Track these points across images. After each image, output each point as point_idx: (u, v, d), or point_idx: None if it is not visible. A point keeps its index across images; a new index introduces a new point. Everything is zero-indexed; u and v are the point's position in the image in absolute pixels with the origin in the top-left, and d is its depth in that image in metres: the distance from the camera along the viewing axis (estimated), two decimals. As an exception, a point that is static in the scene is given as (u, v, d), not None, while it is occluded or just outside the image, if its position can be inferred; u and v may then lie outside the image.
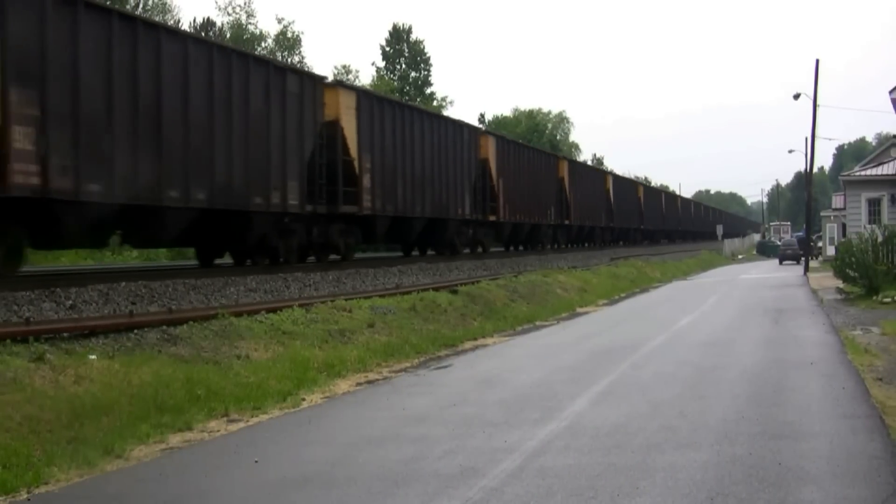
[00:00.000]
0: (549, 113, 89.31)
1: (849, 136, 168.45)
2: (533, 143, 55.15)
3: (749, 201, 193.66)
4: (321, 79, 22.64)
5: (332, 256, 23.13)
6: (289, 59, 50.93)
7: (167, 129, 16.33)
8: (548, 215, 40.06)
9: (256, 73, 19.04)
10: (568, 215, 43.20)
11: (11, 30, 13.16)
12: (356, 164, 22.76)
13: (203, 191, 17.28)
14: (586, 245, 49.38)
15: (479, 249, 32.90)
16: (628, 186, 62.63)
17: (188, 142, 16.90)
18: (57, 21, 13.94)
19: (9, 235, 14.01)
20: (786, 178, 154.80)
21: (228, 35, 51.42)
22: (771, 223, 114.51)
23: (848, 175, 40.48)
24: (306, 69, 26.72)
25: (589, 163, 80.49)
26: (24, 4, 13.49)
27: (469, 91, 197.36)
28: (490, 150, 32.82)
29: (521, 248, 39.11)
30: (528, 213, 36.97)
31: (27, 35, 13.44)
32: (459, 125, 31.08)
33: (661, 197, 74.40)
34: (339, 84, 24.01)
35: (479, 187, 31.38)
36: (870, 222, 32.34)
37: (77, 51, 14.29)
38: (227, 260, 21.26)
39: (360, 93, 24.91)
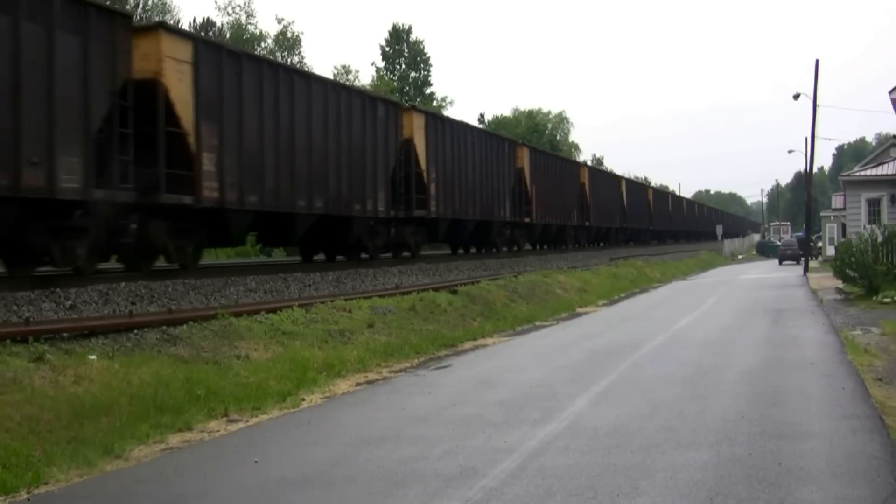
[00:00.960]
0: (549, 113, 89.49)
1: (848, 137, 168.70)
2: (545, 148, 55.68)
3: (749, 201, 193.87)
4: (400, 105, 28.08)
5: (405, 253, 27.59)
6: (288, 60, 50.90)
7: (298, 151, 20.71)
8: (572, 217, 44.23)
9: (356, 103, 23.67)
10: (588, 217, 47.25)
11: (202, 81, 17.48)
12: (425, 175, 27.20)
13: (321, 200, 21.55)
14: (601, 245, 52.63)
15: (515, 248, 36.85)
16: (639, 190, 66.80)
17: (311, 162, 21.17)
18: (229, 70, 18.42)
19: (197, 235, 18.23)
20: (786, 179, 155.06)
21: (228, 35, 51.40)
22: (771, 223, 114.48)
23: (848, 175, 40.45)
24: (390, 99, 30.97)
25: (589, 162, 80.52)
26: (208, 59, 17.80)
27: (469, 91, 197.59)
28: (525, 159, 36.88)
29: (546, 247, 42.99)
30: (555, 216, 41.23)
31: (211, 83, 17.81)
32: (501, 139, 36.35)
33: (668, 199, 76.38)
34: (413, 108, 28.35)
35: (516, 193, 35.40)
36: (869, 222, 32.32)
37: (241, 92, 18.75)
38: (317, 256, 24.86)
39: (428, 115, 29.33)
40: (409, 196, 26.28)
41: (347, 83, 31.30)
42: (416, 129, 27.15)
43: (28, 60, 13.49)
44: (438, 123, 29.37)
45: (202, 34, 31.43)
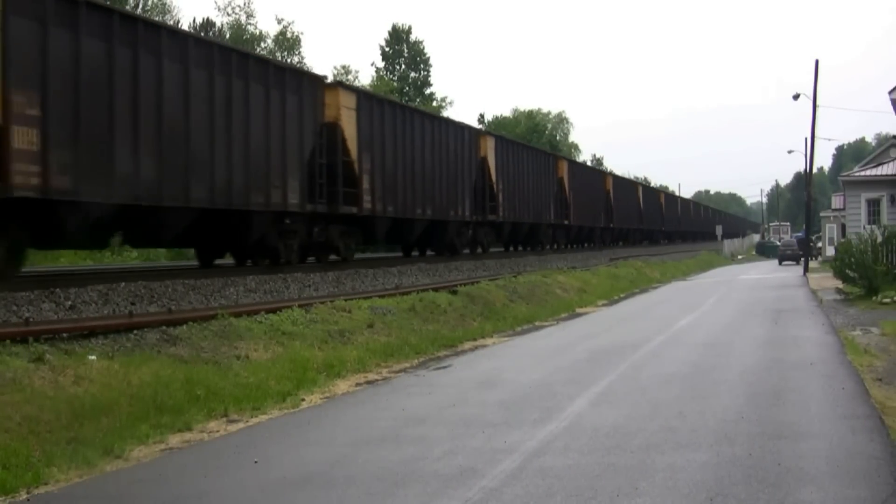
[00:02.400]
0: (549, 113, 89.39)
1: (848, 137, 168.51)
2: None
3: (748, 202, 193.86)
4: (479, 130, 28.16)
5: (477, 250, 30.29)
6: (288, 60, 50.89)
7: (416, 172, 25.94)
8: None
9: (450, 131, 28.30)
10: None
11: (362, 122, 22.92)
12: (494, 183, 29.23)
13: (430, 209, 26.93)
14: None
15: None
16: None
17: (424, 180, 26.40)
18: (376, 113, 23.97)
19: (356, 236, 23.26)
20: (785, 179, 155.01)
21: (228, 35, 51.38)
22: (770, 223, 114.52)
23: (847, 175, 40.44)
24: (471, 126, 31.52)
25: (588, 163, 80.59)
26: (365, 106, 23.07)
27: (469, 91, 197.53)
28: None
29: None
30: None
31: (366, 123, 23.13)
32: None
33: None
34: (488, 133, 26.79)
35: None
36: (869, 223, 32.30)
37: (384, 129, 24.26)
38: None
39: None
40: (484, 202, 31.49)
41: (440, 115, 33.07)
42: (487, 149, 32.37)
43: (274, 114, 19.20)
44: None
45: (362, 88, 32.13)
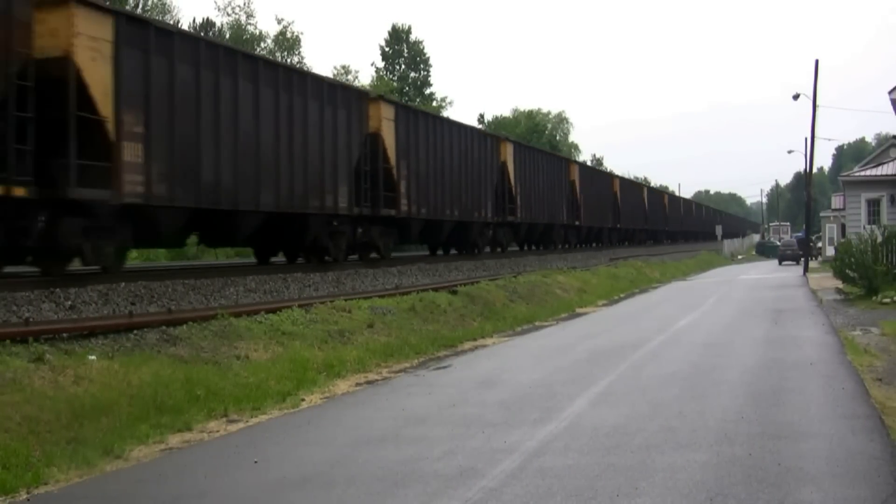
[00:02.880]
0: (549, 113, 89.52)
1: (848, 137, 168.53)
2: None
3: (748, 202, 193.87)
4: (499, 136, 30.86)
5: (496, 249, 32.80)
6: (288, 60, 50.88)
7: (445, 177, 28.33)
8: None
9: (473, 138, 31.63)
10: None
11: (400, 131, 25.28)
12: (513, 186, 30.80)
13: (458, 210, 29.48)
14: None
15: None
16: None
17: (451, 184, 29.13)
18: (413, 125, 26.21)
19: (394, 237, 25.98)
20: (785, 179, 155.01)
21: (228, 36, 51.39)
22: (770, 223, 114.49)
23: (847, 175, 40.43)
24: (491, 133, 35.55)
25: (589, 163, 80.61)
26: (404, 117, 25.93)
27: (469, 91, 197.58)
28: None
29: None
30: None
31: (406, 133, 25.69)
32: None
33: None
34: (506, 139, 28.71)
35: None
36: (869, 223, 32.28)
37: (418, 139, 26.50)
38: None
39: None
40: (503, 204, 33.97)
41: (464, 123, 34.11)
42: (507, 154, 34.59)
43: (327, 127, 21.45)
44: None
45: (400, 101, 33.37)
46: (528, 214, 36.83)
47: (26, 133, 13.33)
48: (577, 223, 45.28)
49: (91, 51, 14.56)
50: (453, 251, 31.98)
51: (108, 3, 16.37)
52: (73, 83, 14.21)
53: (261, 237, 20.74)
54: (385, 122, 24.55)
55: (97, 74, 14.70)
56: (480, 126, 64.68)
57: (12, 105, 13.20)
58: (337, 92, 22.81)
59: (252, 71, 18.83)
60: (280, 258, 23.09)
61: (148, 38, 15.89)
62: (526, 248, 40.45)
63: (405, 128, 25.79)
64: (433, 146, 27.89)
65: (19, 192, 13.29)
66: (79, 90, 14.29)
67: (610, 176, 59.22)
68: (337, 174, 21.82)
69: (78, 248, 15.00)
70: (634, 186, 65.30)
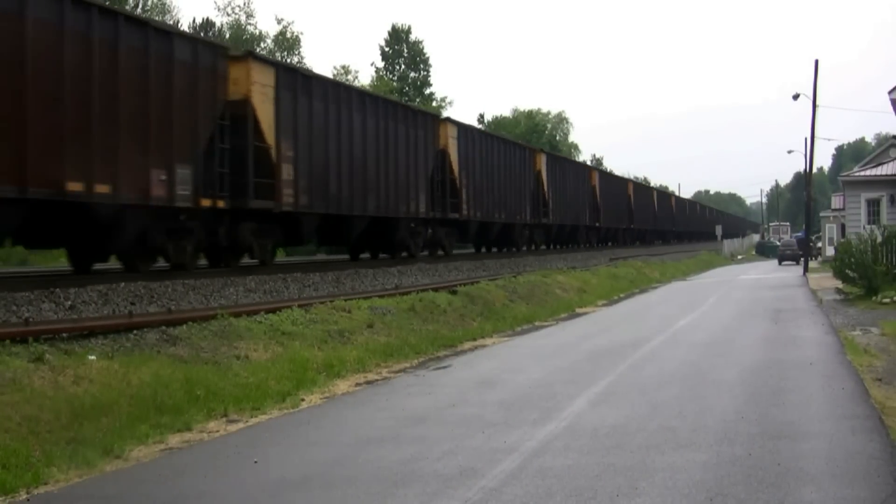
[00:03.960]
0: (549, 113, 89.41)
1: (848, 137, 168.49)
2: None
3: (748, 202, 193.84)
4: (534, 148, 35.82)
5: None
6: (287, 60, 50.90)
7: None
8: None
9: (514, 152, 37.48)
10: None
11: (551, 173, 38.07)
12: (546, 191, 32.69)
13: (504, 213, 35.20)
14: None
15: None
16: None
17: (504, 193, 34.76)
18: (560, 166, 40.01)
19: (458, 238, 31.93)
20: (785, 179, 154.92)
21: (228, 36, 51.38)
22: (770, 223, 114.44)
23: (847, 175, 40.43)
24: (529, 145, 40.01)
25: (589, 163, 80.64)
26: (552, 163, 37.48)
27: (468, 91, 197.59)
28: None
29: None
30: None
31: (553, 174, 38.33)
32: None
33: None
34: (542, 151, 28.37)
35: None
36: (869, 223, 32.28)
37: (565, 175, 39.10)
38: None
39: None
40: (537, 208, 38.40)
41: (507, 137, 40.15)
42: (541, 164, 39.40)
43: (410, 146, 26.50)
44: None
45: (462, 122, 34.32)
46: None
47: (224, 159, 17.91)
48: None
49: (261, 94, 19.15)
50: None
51: (267, 55, 22.07)
52: (250, 120, 18.80)
53: (362, 237, 25.02)
54: (450, 140, 29.32)
55: (265, 112, 19.31)
56: (480, 125, 64.70)
57: (217, 139, 17.79)
58: (417, 116, 27.98)
59: (360, 103, 23.90)
60: (342, 256, 27.27)
61: (296, 82, 20.78)
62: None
63: (465, 144, 30.47)
64: (485, 159, 32.55)
65: (221, 204, 17.93)
66: (254, 125, 18.88)
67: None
68: (418, 184, 27.05)
69: (250, 246, 19.65)
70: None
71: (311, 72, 25.24)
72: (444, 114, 53.53)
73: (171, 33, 17.48)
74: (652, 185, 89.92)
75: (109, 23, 15.22)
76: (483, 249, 37.02)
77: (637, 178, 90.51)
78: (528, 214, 37.66)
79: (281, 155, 19.73)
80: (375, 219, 24.68)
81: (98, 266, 17.81)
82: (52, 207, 14.40)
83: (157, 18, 43.18)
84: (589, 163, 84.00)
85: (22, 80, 13.45)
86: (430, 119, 29.81)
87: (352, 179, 23.15)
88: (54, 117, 14.05)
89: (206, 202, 17.48)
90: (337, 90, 23.30)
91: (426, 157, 28.12)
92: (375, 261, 25.72)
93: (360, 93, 26.57)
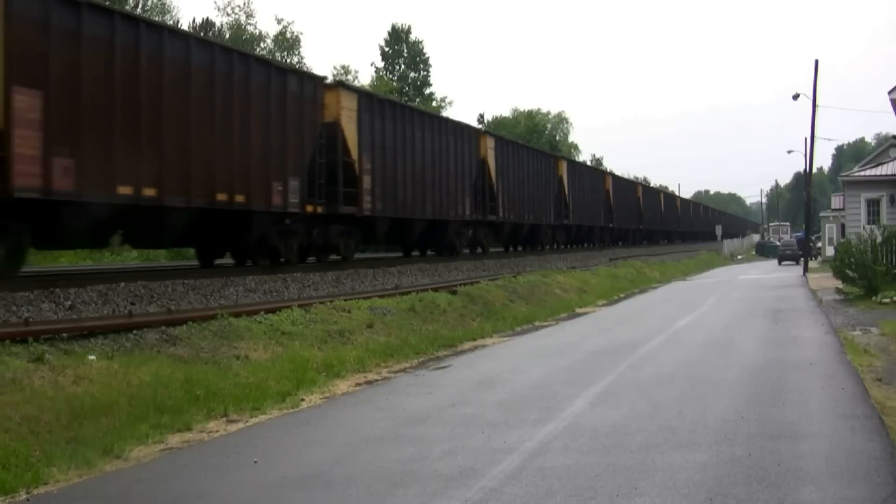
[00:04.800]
0: (549, 113, 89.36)
1: (848, 137, 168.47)
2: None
3: (748, 202, 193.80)
4: (557, 156, 39.77)
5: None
6: (288, 60, 50.88)
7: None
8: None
9: (536, 157, 40.90)
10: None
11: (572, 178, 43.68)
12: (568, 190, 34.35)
13: (533, 215, 38.38)
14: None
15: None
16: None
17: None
18: (580, 172, 45.80)
19: (491, 236, 34.87)
20: (785, 179, 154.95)
21: (227, 36, 51.38)
22: (770, 223, 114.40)
23: (847, 175, 40.43)
24: (551, 152, 43.31)
25: (588, 163, 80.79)
26: (572, 169, 43.28)
27: (468, 91, 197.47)
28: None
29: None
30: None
31: (573, 179, 43.17)
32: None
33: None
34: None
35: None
36: (869, 223, 32.26)
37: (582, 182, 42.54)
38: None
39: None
40: (559, 210, 41.78)
41: (532, 147, 43.86)
42: (563, 171, 44.18)
43: (459, 157, 30.42)
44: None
45: (498, 134, 41.73)
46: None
47: (322, 172, 21.34)
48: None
49: (348, 117, 22.72)
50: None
51: (349, 82, 26.37)
52: (340, 139, 22.39)
53: (418, 239, 29.01)
54: (489, 151, 32.96)
55: (350, 132, 22.93)
56: (480, 125, 64.75)
57: (317, 155, 21.13)
58: (463, 130, 31.77)
59: (419, 121, 27.66)
60: (396, 254, 30.37)
61: (372, 105, 24.47)
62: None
63: (501, 154, 34.13)
64: (517, 167, 36.32)
65: (319, 209, 21.30)
66: (342, 143, 22.44)
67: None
68: (464, 190, 30.71)
69: (336, 246, 23.02)
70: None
71: (383, 96, 29.90)
72: (444, 114, 53.67)
73: (285, 70, 21.83)
74: (652, 185, 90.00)
75: (244, 65, 18.95)
76: (510, 248, 40.12)
77: (637, 178, 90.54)
78: (552, 216, 41.33)
79: (362, 167, 23.74)
80: (431, 221, 28.87)
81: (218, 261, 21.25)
82: (204, 214, 17.63)
83: (156, 18, 43.17)
84: (589, 163, 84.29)
85: (213, 123, 17.66)
86: (472, 132, 34.14)
87: (414, 187, 27.25)
88: (223, 147, 17.94)
89: (309, 208, 21.04)
90: (403, 111, 27.67)
91: (470, 166, 32.36)
92: (400, 258, 28.25)
93: (420, 112, 31.19)
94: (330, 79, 27.06)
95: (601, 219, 52.02)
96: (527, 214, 37.82)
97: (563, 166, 44.57)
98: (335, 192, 22.03)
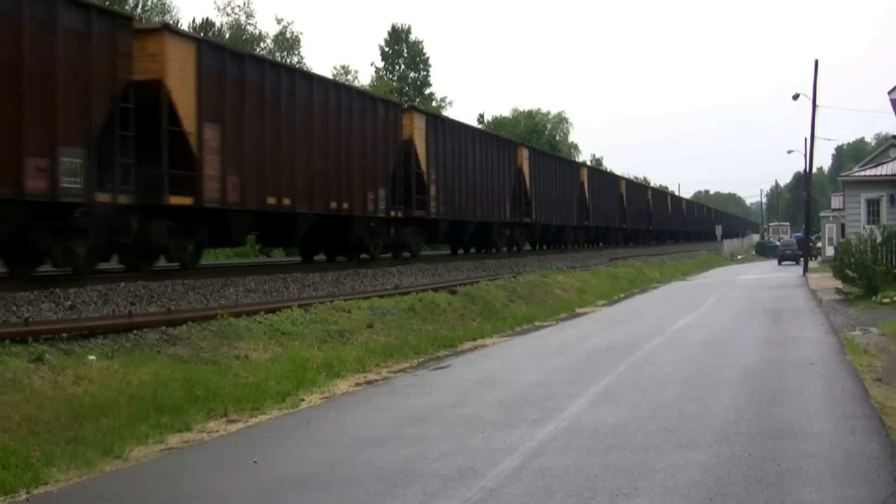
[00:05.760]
0: (549, 113, 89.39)
1: (848, 137, 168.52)
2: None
3: (748, 202, 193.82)
4: (579, 165, 50.58)
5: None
6: (287, 60, 50.88)
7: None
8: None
9: (558, 163, 46.56)
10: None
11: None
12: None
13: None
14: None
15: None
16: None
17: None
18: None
19: (526, 236, 40.77)
20: (785, 179, 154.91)
21: (228, 35, 51.38)
22: (770, 223, 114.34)
23: (847, 175, 40.43)
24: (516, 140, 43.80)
25: (588, 163, 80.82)
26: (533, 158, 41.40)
27: (468, 91, 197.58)
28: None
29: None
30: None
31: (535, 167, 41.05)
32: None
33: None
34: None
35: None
36: (869, 223, 32.25)
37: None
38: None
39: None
40: (582, 211, 47.14)
41: (560, 156, 50.83)
42: (584, 177, 48.71)
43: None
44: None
45: (531, 145, 47.35)
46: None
47: (401, 183, 25.59)
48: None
49: (419, 135, 26.99)
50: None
51: (420, 106, 33.11)
52: (413, 154, 26.88)
53: (469, 237, 33.44)
54: (524, 161, 37.15)
55: (421, 147, 27.23)
56: (480, 125, 64.82)
57: (398, 168, 25.92)
58: (504, 143, 36.98)
59: (470, 136, 31.63)
60: (445, 251, 35.73)
61: (437, 124, 29.15)
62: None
63: (534, 163, 38.45)
64: (546, 174, 40.67)
65: (399, 214, 25.33)
66: (414, 157, 26.81)
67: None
68: (504, 195, 34.94)
69: (409, 244, 26.91)
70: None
71: (445, 116, 34.42)
72: (444, 114, 53.80)
73: (376, 98, 26.06)
74: (652, 184, 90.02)
75: (347, 96, 22.90)
76: (538, 247, 44.09)
77: (637, 177, 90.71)
78: (575, 218, 45.39)
79: (429, 177, 27.92)
80: (480, 223, 32.80)
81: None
82: (321, 219, 21.70)
83: (156, 19, 43.16)
84: (589, 163, 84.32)
85: (328, 144, 21.77)
86: (511, 144, 38.79)
87: (467, 193, 31.39)
88: (335, 164, 22.17)
89: (392, 213, 25.37)
90: (456, 127, 31.44)
91: (509, 175, 36.51)
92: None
93: (470, 128, 35.03)
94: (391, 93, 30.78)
95: (616, 220, 56.90)
96: (555, 217, 42.56)
97: (584, 173, 49.88)
98: (409, 198, 26.58)
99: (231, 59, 18.60)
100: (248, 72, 18.73)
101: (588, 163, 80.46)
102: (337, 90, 23.08)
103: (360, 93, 26.23)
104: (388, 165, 25.11)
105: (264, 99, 19.25)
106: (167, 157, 16.49)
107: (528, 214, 38.19)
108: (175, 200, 16.81)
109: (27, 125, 13.25)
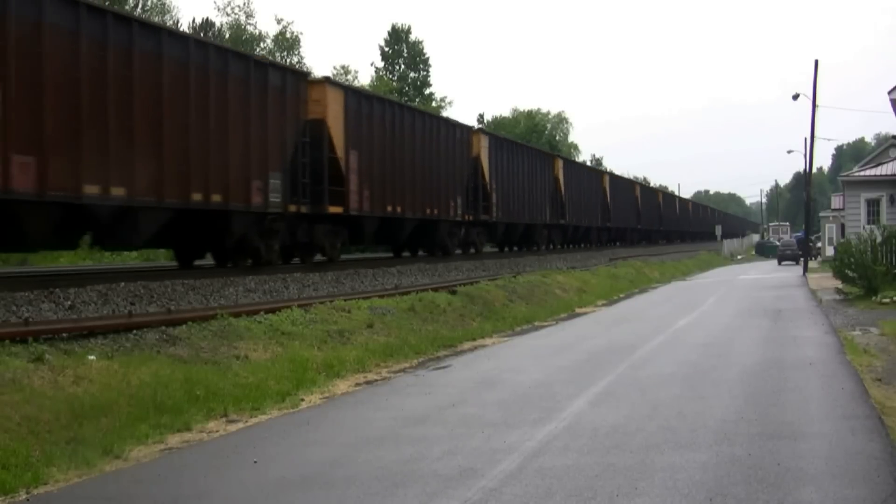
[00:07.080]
0: (549, 113, 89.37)
1: (848, 137, 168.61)
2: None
3: (748, 201, 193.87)
4: (604, 172, 50.77)
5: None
6: (287, 60, 50.86)
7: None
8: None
9: (591, 174, 52.58)
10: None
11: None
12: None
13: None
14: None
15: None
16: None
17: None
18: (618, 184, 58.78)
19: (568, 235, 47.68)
20: (785, 179, 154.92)
21: (227, 36, 51.37)
22: (770, 223, 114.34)
23: (847, 175, 40.43)
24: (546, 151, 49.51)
25: (588, 163, 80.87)
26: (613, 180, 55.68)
27: (468, 91, 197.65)
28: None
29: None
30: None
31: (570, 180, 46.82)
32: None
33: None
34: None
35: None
36: (869, 223, 32.26)
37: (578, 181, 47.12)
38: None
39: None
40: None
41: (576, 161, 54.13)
42: (606, 184, 53.33)
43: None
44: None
45: (566, 156, 54.45)
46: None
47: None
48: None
49: (483, 152, 33.13)
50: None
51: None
52: (480, 167, 32.38)
53: (520, 238, 38.74)
54: (483, 149, 34.58)
55: (484, 162, 32.85)
56: (480, 125, 64.80)
57: (469, 180, 31.44)
58: (545, 157, 42.13)
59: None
60: (493, 250, 38.22)
61: (497, 142, 35.16)
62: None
63: (496, 152, 35.87)
64: (512, 165, 37.73)
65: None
66: (481, 170, 32.57)
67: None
68: (545, 202, 40.30)
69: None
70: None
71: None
72: (444, 113, 53.84)
73: (454, 124, 31.46)
74: (651, 184, 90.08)
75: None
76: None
77: (637, 177, 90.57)
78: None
79: (492, 187, 33.21)
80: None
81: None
82: (419, 222, 27.48)
83: (156, 19, 43.17)
84: (589, 163, 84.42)
85: (423, 169, 27.53)
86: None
87: (518, 200, 36.27)
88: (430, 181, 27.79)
89: (466, 217, 30.65)
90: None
91: (548, 184, 41.24)
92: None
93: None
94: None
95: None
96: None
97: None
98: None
99: (364, 99, 24.54)
100: (374, 109, 24.42)
101: (588, 163, 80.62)
102: (431, 120, 29.57)
103: (445, 120, 32.22)
104: (463, 178, 30.69)
105: (384, 130, 24.89)
106: (328, 177, 21.60)
107: (563, 216, 43.50)
108: (332, 209, 21.96)
109: (252, 158, 18.79)
